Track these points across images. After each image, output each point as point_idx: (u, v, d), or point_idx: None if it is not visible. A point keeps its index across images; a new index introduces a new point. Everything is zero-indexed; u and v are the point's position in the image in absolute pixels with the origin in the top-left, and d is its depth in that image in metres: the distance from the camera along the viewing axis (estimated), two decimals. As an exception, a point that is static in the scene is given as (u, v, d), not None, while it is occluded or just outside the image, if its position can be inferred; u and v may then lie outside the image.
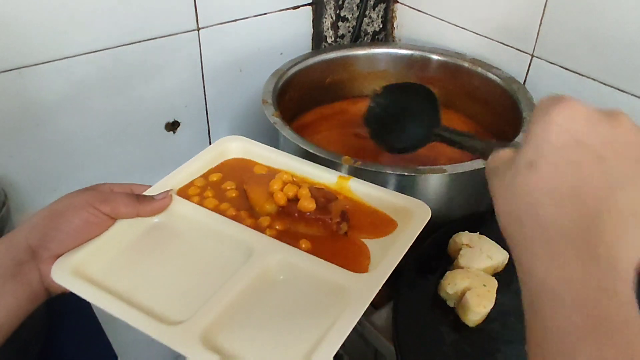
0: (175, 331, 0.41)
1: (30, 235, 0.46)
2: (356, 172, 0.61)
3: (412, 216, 0.53)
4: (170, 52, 0.84)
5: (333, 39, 1.01)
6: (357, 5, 1.01)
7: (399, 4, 1.04)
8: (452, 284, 0.59)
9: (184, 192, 0.56)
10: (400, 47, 0.95)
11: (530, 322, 0.30)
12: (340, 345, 0.40)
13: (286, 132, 0.70)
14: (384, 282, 0.46)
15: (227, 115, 0.97)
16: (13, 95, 0.73)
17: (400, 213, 0.54)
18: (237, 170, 0.60)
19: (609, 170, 0.30)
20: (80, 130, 0.81)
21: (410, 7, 1.02)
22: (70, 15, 0.72)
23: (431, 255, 0.66)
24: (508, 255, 0.63)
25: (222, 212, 0.53)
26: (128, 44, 0.79)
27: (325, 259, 0.48)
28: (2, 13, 0.68)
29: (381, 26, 1.07)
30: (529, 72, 0.85)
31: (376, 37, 1.07)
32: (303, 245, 0.50)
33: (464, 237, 0.65)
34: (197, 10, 0.83)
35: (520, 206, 0.31)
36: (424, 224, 0.52)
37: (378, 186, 0.57)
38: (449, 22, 0.95)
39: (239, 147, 0.62)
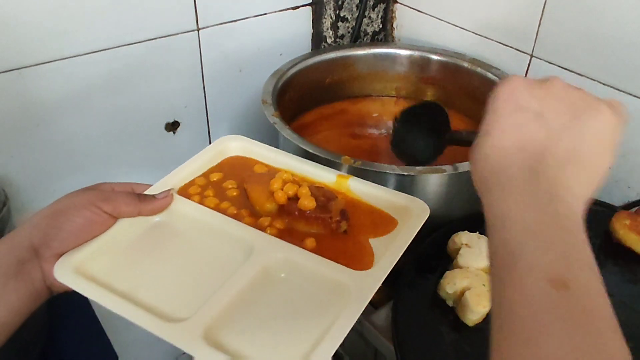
0: (177, 329, 0.41)
1: (33, 234, 0.46)
2: (356, 172, 0.61)
3: (411, 214, 0.53)
4: (170, 52, 0.84)
5: (333, 39, 1.01)
6: (357, 6, 1.01)
7: (398, 4, 1.04)
8: (452, 284, 0.59)
9: (184, 191, 0.56)
10: (400, 48, 0.96)
11: (492, 249, 0.34)
12: (340, 342, 0.40)
13: (286, 132, 0.70)
14: (383, 279, 0.46)
15: (227, 116, 0.97)
16: (13, 95, 0.73)
17: (398, 211, 0.55)
18: (237, 169, 0.60)
19: (547, 124, 0.37)
20: (80, 130, 0.81)
21: (410, 7, 1.02)
22: (70, 15, 0.72)
23: (431, 255, 0.66)
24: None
25: (222, 211, 0.53)
26: (128, 44, 0.79)
27: (329, 258, 0.48)
28: (2, 13, 0.68)
29: (381, 26, 1.07)
30: (529, 72, 0.85)
31: (376, 37, 1.08)
32: (308, 244, 0.50)
33: (464, 237, 0.65)
34: (197, 11, 0.83)
35: (483, 166, 0.37)
36: (423, 222, 0.52)
37: (376, 185, 0.57)
38: (449, 22, 0.95)
39: (239, 147, 0.63)
